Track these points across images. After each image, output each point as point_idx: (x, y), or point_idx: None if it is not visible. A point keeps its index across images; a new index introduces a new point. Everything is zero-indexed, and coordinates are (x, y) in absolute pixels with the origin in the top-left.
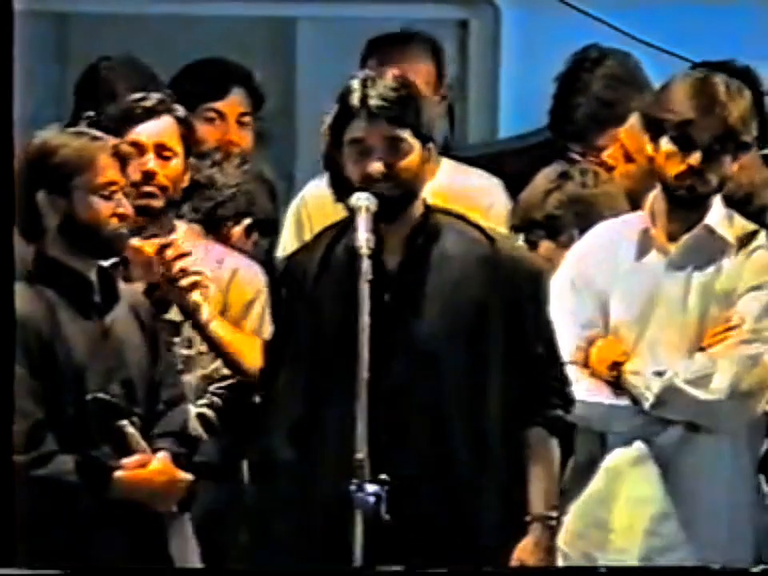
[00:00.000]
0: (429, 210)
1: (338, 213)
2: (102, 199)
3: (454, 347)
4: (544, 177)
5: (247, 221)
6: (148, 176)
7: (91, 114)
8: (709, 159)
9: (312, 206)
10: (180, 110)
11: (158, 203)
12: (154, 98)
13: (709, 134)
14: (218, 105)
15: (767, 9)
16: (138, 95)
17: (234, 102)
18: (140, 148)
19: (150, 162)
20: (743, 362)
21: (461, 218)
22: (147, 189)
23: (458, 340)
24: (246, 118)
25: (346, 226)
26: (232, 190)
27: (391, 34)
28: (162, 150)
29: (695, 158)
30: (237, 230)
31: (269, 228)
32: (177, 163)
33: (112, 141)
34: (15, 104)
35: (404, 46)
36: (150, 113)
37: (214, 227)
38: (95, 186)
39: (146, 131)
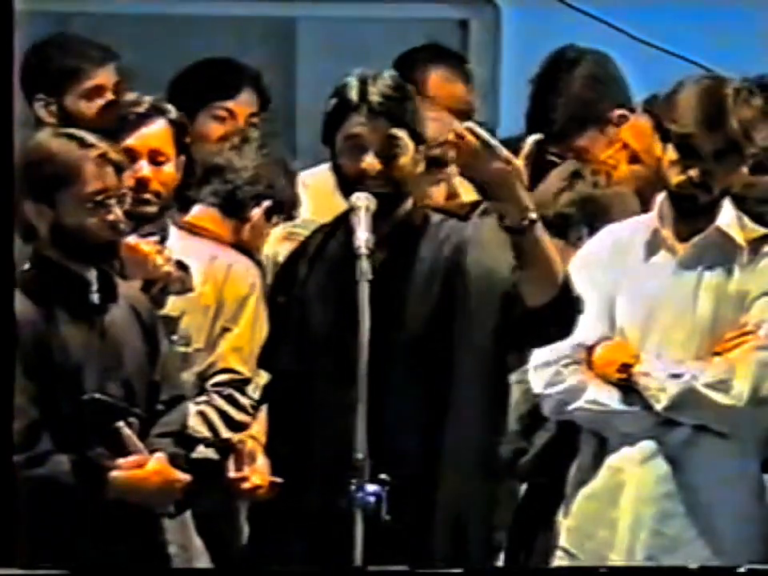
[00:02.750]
0: (413, 208)
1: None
2: (91, 209)
3: (442, 337)
4: (556, 175)
5: (267, 203)
6: (142, 183)
7: (41, 95)
8: (710, 172)
9: (311, 186)
10: (173, 112)
11: (152, 209)
12: (147, 101)
13: (711, 148)
14: (230, 104)
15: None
16: (130, 99)
17: (244, 102)
18: (133, 154)
19: (144, 169)
20: (762, 368)
21: (442, 211)
22: (141, 196)
23: (445, 331)
24: (255, 119)
25: (337, 224)
26: (251, 173)
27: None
28: (155, 156)
29: (695, 171)
30: (257, 212)
31: (289, 210)
32: (170, 167)
33: (101, 147)
34: (15, 104)
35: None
36: (143, 117)
37: (234, 210)
38: (82, 196)
39: (138, 137)
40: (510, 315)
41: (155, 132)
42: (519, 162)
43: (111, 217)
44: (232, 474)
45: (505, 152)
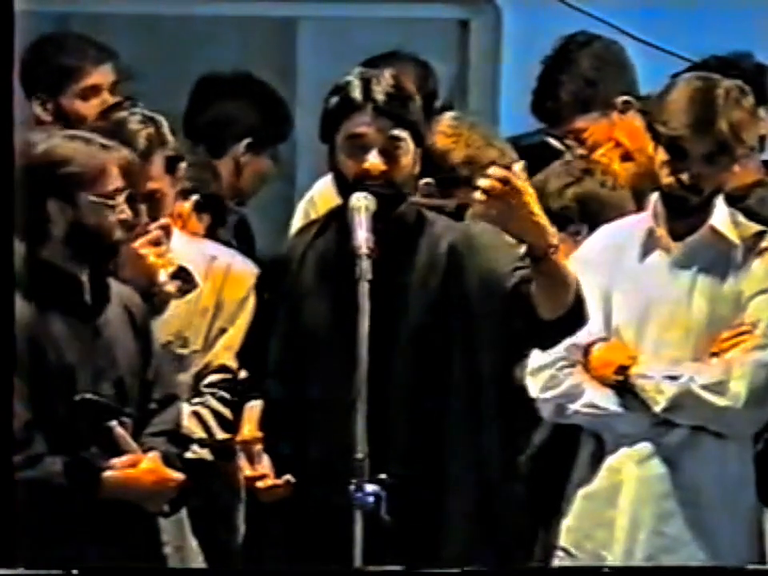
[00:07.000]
0: (407, 205)
1: None
2: (109, 207)
3: (440, 335)
4: (564, 171)
5: (195, 197)
6: (137, 225)
7: (39, 94)
8: (700, 174)
9: (321, 205)
10: (170, 141)
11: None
12: (144, 135)
13: (701, 150)
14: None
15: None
16: (130, 129)
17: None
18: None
19: (143, 216)
20: (758, 368)
21: (432, 208)
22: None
23: (443, 329)
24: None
25: (327, 223)
26: None
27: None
28: (152, 194)
29: (685, 174)
30: (186, 207)
31: (216, 206)
32: (167, 201)
33: (122, 152)
34: (15, 104)
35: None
36: (140, 158)
37: None
38: (103, 194)
39: (135, 182)
40: (514, 322)
41: (152, 174)
42: (531, 190)
43: (124, 215)
44: (248, 472)
45: (528, 190)
